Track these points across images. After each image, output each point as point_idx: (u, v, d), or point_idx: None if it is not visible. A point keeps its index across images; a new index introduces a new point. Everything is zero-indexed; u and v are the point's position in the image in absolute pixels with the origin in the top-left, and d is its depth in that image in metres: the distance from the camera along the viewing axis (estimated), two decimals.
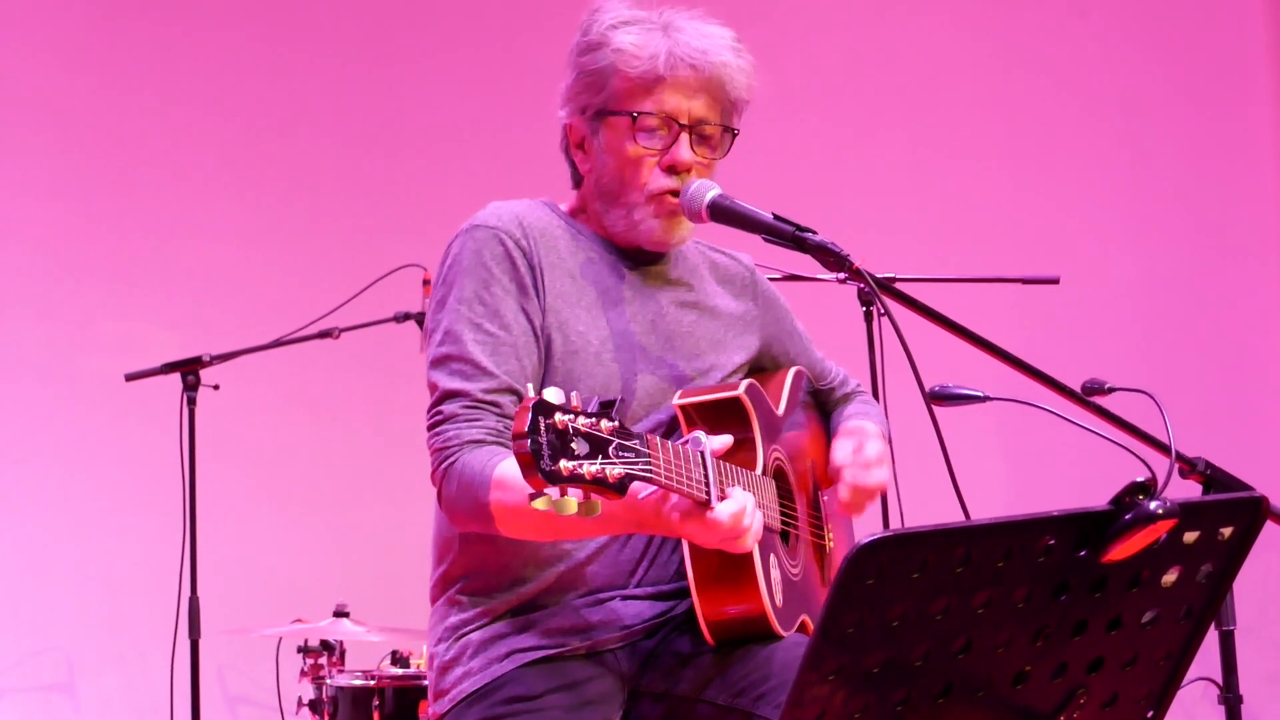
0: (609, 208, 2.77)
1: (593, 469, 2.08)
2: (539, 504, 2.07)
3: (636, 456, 2.15)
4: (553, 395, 2.08)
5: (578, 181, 2.84)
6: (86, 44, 6.27)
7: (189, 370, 5.06)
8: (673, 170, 2.72)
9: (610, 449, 2.12)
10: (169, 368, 5.08)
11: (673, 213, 2.73)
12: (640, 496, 2.27)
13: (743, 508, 2.36)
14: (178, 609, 5.02)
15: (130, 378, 5.14)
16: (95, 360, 5.94)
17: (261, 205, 6.35)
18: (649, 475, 2.18)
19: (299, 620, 4.81)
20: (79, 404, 5.99)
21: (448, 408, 2.62)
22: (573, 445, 2.07)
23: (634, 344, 2.75)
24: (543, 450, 2.04)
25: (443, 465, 2.59)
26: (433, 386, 2.66)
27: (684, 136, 2.72)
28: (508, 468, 2.50)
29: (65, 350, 6.06)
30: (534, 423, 2.04)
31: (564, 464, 2.05)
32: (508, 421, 2.60)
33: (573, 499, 2.07)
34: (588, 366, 2.68)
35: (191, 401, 5.06)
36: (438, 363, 2.66)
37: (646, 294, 2.81)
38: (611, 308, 2.75)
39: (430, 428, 2.64)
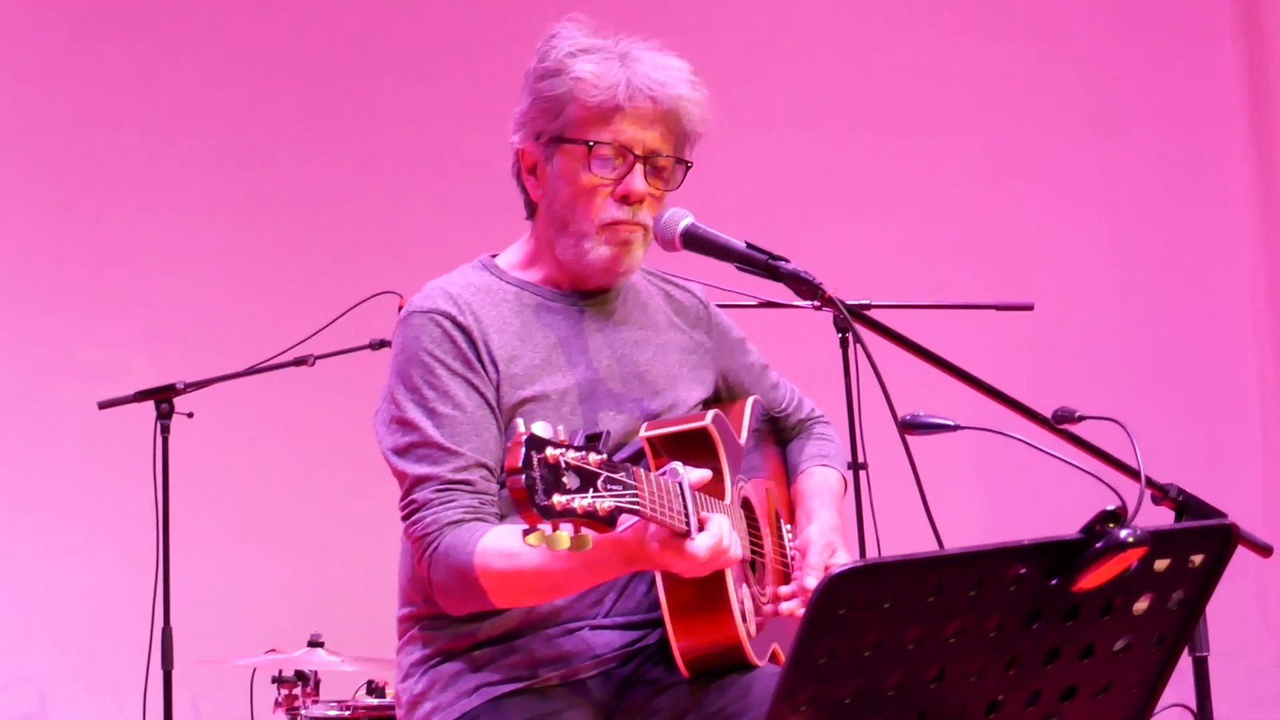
0: (559, 235, 2.76)
1: (584, 503, 2.09)
2: (533, 539, 2.08)
3: (624, 489, 2.16)
4: (541, 430, 2.09)
5: (531, 211, 2.84)
6: (59, 69, 6.26)
7: (163, 398, 5.04)
8: (625, 200, 2.72)
9: (599, 482, 2.12)
10: (142, 395, 5.05)
11: (623, 242, 2.74)
12: (620, 529, 2.27)
13: (719, 538, 2.36)
14: (151, 639, 4.99)
15: (104, 405, 5.11)
16: (69, 388, 5.92)
17: (236, 232, 6.34)
18: (636, 507, 2.18)
19: (273, 650, 4.78)
20: (52, 432, 5.97)
21: (420, 494, 2.62)
22: (564, 479, 2.08)
23: (594, 389, 2.75)
24: (536, 485, 2.05)
25: (427, 553, 2.60)
26: (401, 476, 2.67)
27: (638, 167, 2.72)
28: (489, 541, 2.52)
29: (38, 378, 6.03)
30: (527, 458, 2.05)
31: (557, 499, 2.07)
32: (483, 496, 2.62)
33: (564, 534, 2.09)
34: (550, 419, 2.68)
35: (165, 429, 5.03)
36: (401, 452, 2.67)
37: (600, 336, 2.81)
38: (566, 356, 2.75)
39: (406, 518, 2.65)
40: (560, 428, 2.12)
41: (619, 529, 2.24)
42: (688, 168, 2.79)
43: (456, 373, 2.66)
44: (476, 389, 2.66)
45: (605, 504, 2.11)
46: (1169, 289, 6.10)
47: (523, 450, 2.05)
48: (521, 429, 2.08)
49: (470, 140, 6.23)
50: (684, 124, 2.74)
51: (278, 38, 6.51)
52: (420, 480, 2.63)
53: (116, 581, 5.76)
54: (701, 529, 2.35)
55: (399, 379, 2.70)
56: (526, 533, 2.08)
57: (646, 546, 2.38)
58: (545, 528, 2.07)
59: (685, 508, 2.32)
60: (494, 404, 2.67)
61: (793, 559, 2.91)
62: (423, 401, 2.65)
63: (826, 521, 2.93)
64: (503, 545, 2.52)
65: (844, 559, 2.86)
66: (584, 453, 2.12)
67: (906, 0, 6.41)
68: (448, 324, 2.69)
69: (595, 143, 2.70)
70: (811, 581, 2.77)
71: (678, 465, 2.36)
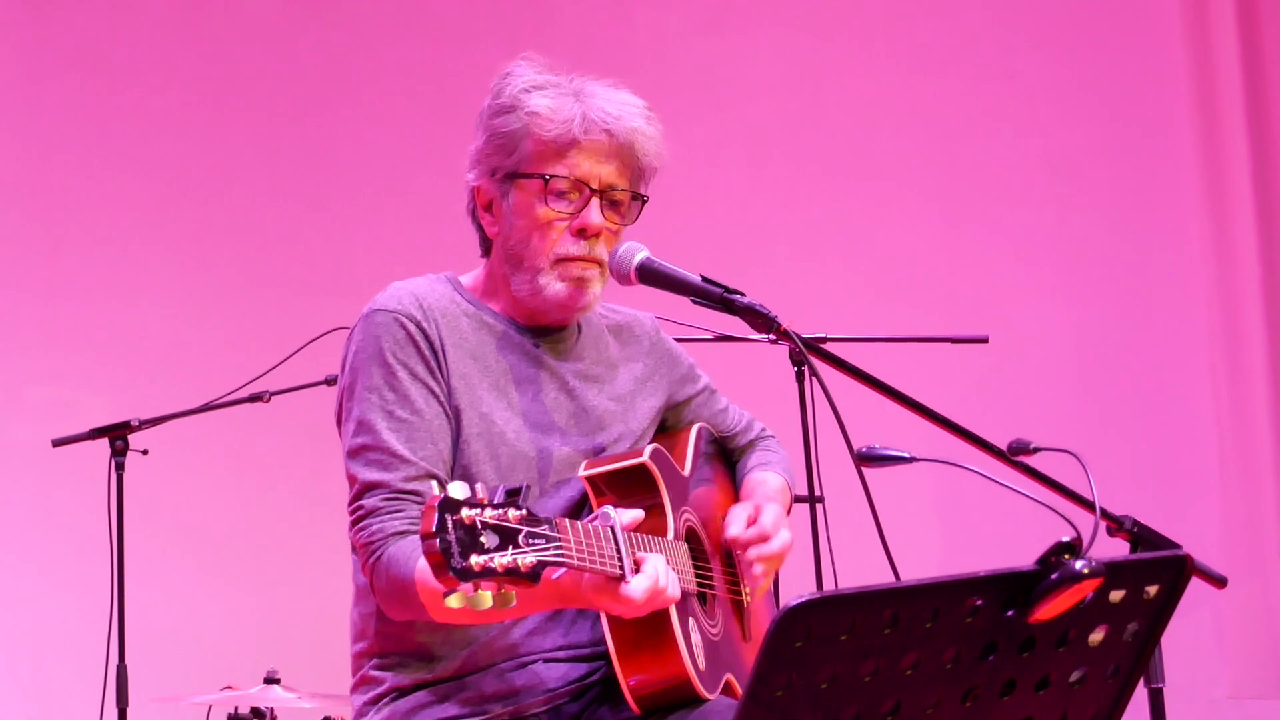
0: (514, 272, 2.76)
1: (504, 561, 2.06)
2: (452, 601, 2.06)
3: (547, 542, 2.13)
4: (457, 490, 2.07)
5: (486, 249, 2.84)
6: (11, 106, 6.24)
7: (117, 435, 5.00)
8: (582, 234, 2.72)
9: (520, 537, 2.10)
10: (97, 433, 5.02)
11: (578, 279, 2.73)
12: (554, 578, 2.26)
13: (654, 579, 2.37)
14: (105, 676, 4.95)
15: (57, 443, 5.08)
16: (22, 426, 5.88)
17: (190, 268, 6.32)
18: (561, 560, 2.17)
19: (229, 687, 4.75)
20: (5, 470, 5.93)
21: (368, 501, 2.62)
22: (481, 539, 2.06)
23: (541, 421, 2.75)
24: (452, 549, 2.03)
25: (370, 560, 2.59)
26: (352, 479, 2.66)
27: (595, 201, 2.72)
28: None
29: None
30: (441, 521, 2.03)
31: (475, 559, 2.04)
32: None
33: (486, 593, 2.07)
34: (494, 447, 2.68)
35: (120, 467, 5.00)
36: (354, 454, 2.66)
37: (550, 370, 2.80)
38: (515, 387, 2.74)
39: (353, 524, 2.64)
40: (479, 486, 2.10)
41: (553, 579, 2.23)
42: (644, 202, 2.79)
43: (418, 377, 2.66)
44: (435, 395, 2.66)
45: (528, 559, 2.09)
46: (1123, 321, 6.13)
47: (436, 514, 2.03)
48: (435, 490, 2.07)
49: (424, 177, 6.23)
50: (639, 158, 2.75)
51: (232, 75, 6.50)
52: (369, 486, 2.62)
53: (71, 619, 5.71)
54: (637, 570, 2.35)
55: (357, 376, 2.69)
56: (446, 594, 2.06)
57: (581, 593, 2.39)
58: (467, 589, 2.05)
59: (618, 551, 2.32)
60: (449, 412, 2.67)
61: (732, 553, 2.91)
62: (381, 403, 2.65)
63: (750, 484, 2.98)
64: None
65: (771, 514, 2.86)
66: (502, 510, 2.10)
67: (862, 38, 6.43)
68: (412, 327, 2.68)
69: (551, 176, 2.70)
70: (735, 529, 2.81)
71: (609, 509, 2.36)
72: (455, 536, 2.03)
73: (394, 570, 2.55)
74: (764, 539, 2.83)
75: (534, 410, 2.75)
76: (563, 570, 2.25)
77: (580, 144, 2.70)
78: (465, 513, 2.06)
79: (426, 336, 2.68)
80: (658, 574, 2.37)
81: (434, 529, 2.02)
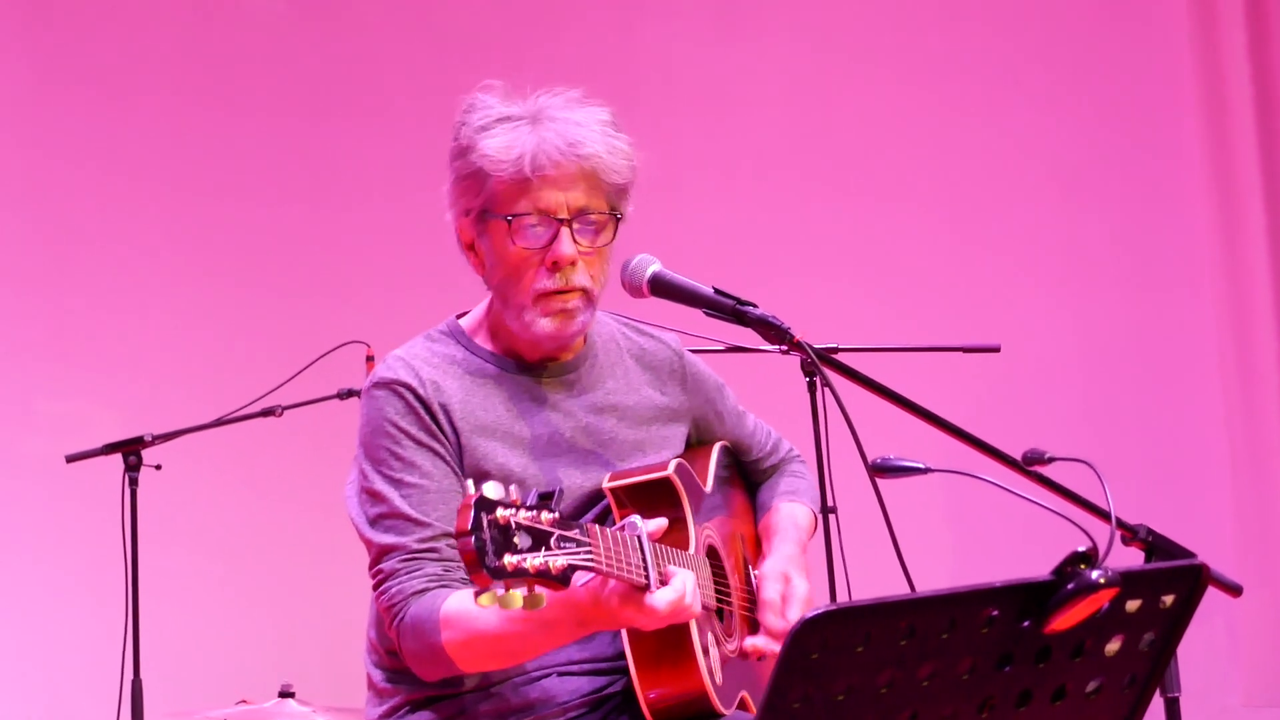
0: (504, 308, 2.76)
1: (536, 562, 2.09)
2: (484, 600, 2.08)
3: (578, 546, 2.16)
4: (492, 490, 2.09)
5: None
6: (22, 119, 6.25)
7: (130, 450, 5.01)
8: (556, 267, 2.69)
9: (552, 540, 2.13)
10: (110, 448, 5.03)
11: (559, 312, 2.71)
12: (580, 585, 2.27)
13: (680, 594, 2.37)
14: (120, 691, 4.95)
15: (71, 459, 5.09)
16: (35, 442, 5.89)
17: (202, 282, 6.33)
18: (591, 565, 2.19)
19: (244, 701, 4.75)
20: (19, 486, 5.93)
21: (387, 564, 2.64)
22: (515, 540, 2.09)
23: (557, 461, 2.75)
24: (486, 547, 2.05)
25: (395, 623, 2.61)
26: (369, 544, 2.68)
27: (564, 231, 2.68)
28: (452, 606, 2.54)
29: (4, 432, 5.99)
30: (476, 519, 2.06)
31: (508, 559, 2.07)
32: (448, 563, 2.62)
33: (518, 593, 2.09)
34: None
35: (133, 482, 5.00)
36: (371, 522, 2.68)
37: (562, 406, 2.80)
38: (528, 428, 2.75)
39: (375, 588, 2.66)
40: (513, 488, 2.13)
41: (576, 589, 2.24)
42: (619, 219, 2.75)
43: (422, 443, 2.67)
44: (442, 458, 2.68)
45: (559, 562, 2.11)
46: (1134, 329, 6.12)
47: (472, 512, 2.06)
48: (471, 489, 2.09)
49: (436, 189, 6.27)
50: (605, 179, 2.70)
51: (244, 88, 6.50)
52: (387, 550, 2.64)
53: (86, 634, 5.72)
54: (664, 583, 2.36)
55: (365, 451, 2.72)
56: (478, 594, 2.08)
57: (604, 604, 2.38)
58: (499, 588, 2.07)
59: (644, 560, 2.33)
60: (459, 471, 2.68)
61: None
62: (389, 473, 2.67)
63: (782, 554, 2.93)
64: (461, 612, 2.53)
65: (801, 588, 2.85)
66: (535, 512, 2.13)
67: (869, 47, 6.43)
68: (409, 396, 2.70)
69: (514, 215, 2.68)
70: (768, 618, 2.78)
71: (636, 518, 2.37)
72: (490, 536, 2.06)
73: (417, 627, 2.57)
74: (783, 614, 2.81)
75: (550, 450, 2.75)
76: (589, 576, 2.27)
77: (534, 181, 2.66)
78: (500, 513, 2.09)
79: (426, 404, 2.69)
80: (685, 590, 2.38)
81: (469, 527, 2.05)
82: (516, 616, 2.40)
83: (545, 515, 2.13)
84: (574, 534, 2.16)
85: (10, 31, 6.31)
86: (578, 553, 2.15)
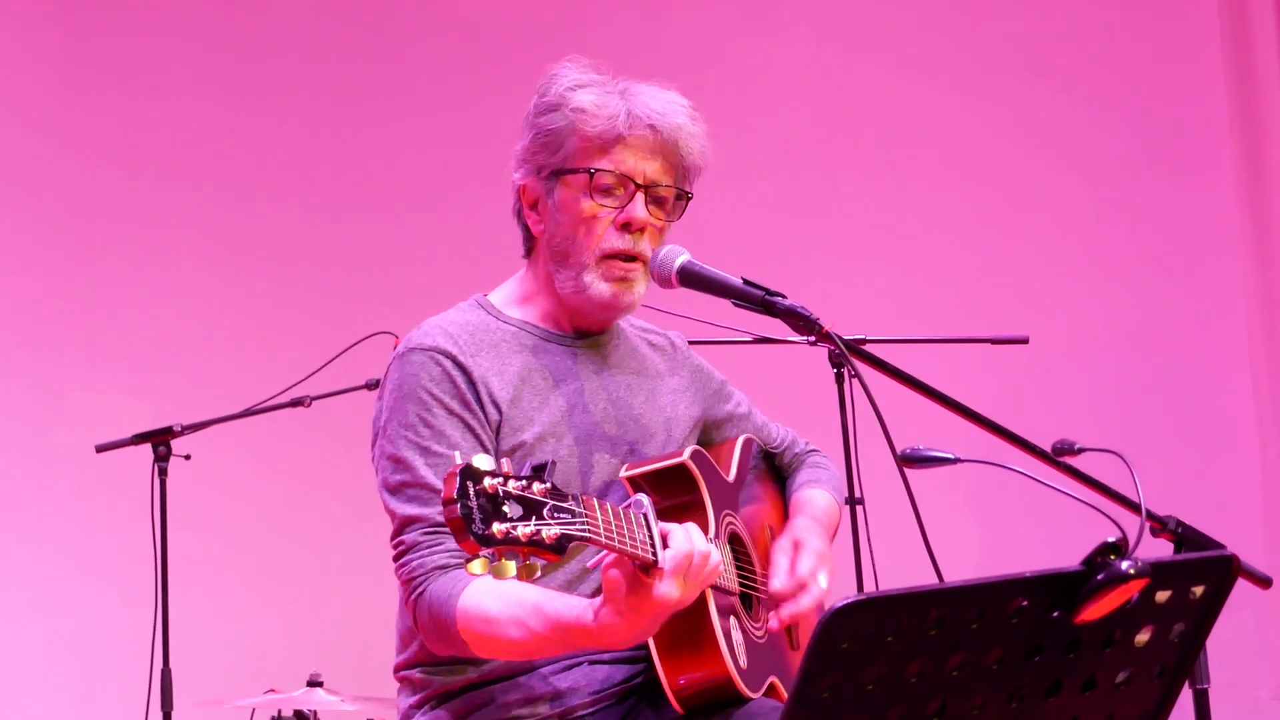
0: (559, 269, 2.76)
1: (527, 530, 2.06)
2: (474, 567, 2.06)
3: (573, 517, 2.13)
4: (481, 461, 2.07)
5: (529, 250, 2.85)
6: (53, 115, 6.28)
7: (160, 441, 5.03)
8: (627, 228, 2.72)
9: (545, 510, 2.10)
10: (140, 438, 5.05)
11: (621, 279, 2.74)
12: (589, 564, 2.25)
13: (688, 549, 2.30)
14: (150, 681, 4.97)
15: (101, 449, 5.11)
16: (65, 432, 5.92)
17: (231, 273, 6.36)
18: (588, 535, 2.15)
19: (272, 691, 4.77)
20: (49, 476, 5.97)
21: (409, 536, 2.62)
22: (505, 509, 2.06)
23: (589, 432, 2.75)
24: (473, 514, 2.03)
25: (413, 596, 2.60)
26: (391, 514, 2.67)
27: (639, 196, 2.73)
28: (469, 600, 2.52)
29: (35, 422, 6.03)
30: (462, 488, 2.03)
31: (496, 527, 2.04)
32: None
33: (510, 562, 2.06)
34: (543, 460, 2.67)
35: (163, 472, 5.03)
36: (393, 490, 2.67)
37: (596, 379, 2.81)
38: (561, 398, 2.74)
39: (396, 559, 2.65)
40: (504, 461, 2.11)
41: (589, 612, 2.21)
42: (688, 199, 2.80)
43: (454, 413, 2.66)
44: (473, 430, 2.66)
45: (551, 531, 2.08)
46: (1163, 320, 6.11)
47: (457, 481, 2.03)
48: (458, 459, 2.08)
49: (463, 183, 6.27)
50: (683, 156, 2.76)
51: (271, 83, 6.53)
52: (409, 521, 2.63)
53: (115, 623, 5.75)
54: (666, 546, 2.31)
55: (394, 415, 2.69)
56: (468, 561, 2.07)
57: (612, 594, 2.32)
58: (491, 556, 2.06)
59: (650, 536, 2.29)
60: (490, 446, 2.66)
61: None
62: (417, 440, 2.65)
63: (793, 525, 2.93)
64: (482, 608, 2.52)
65: (813, 544, 2.82)
66: (526, 482, 2.10)
67: (897, 42, 6.43)
68: (448, 363, 2.69)
69: (596, 170, 2.71)
70: (772, 583, 2.76)
71: (642, 497, 2.33)
72: (477, 504, 2.03)
73: (435, 606, 2.56)
74: (796, 593, 2.76)
75: (581, 423, 2.75)
76: (601, 554, 2.25)
77: (625, 139, 2.71)
78: (488, 482, 2.06)
79: (465, 371, 2.68)
80: (693, 543, 2.31)
81: (455, 495, 2.03)
82: (531, 612, 2.43)
83: (537, 486, 2.11)
84: (568, 504, 2.13)
85: (42, 33, 6.35)
86: (573, 523, 2.12)
